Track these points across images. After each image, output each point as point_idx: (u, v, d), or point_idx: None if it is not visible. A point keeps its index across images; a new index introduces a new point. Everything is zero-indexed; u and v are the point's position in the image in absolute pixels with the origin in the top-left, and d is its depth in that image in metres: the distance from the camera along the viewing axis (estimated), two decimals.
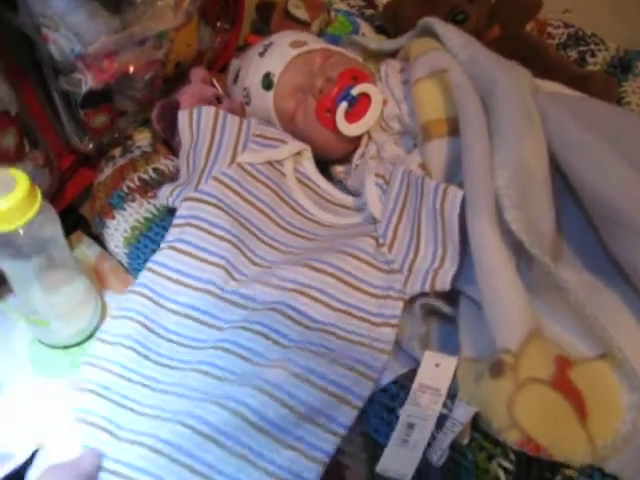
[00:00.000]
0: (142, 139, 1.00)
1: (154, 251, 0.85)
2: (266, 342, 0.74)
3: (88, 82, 0.86)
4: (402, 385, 0.72)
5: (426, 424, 0.67)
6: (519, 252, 0.72)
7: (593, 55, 1.13)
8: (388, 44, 1.02)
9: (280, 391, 0.69)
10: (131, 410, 0.74)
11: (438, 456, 0.66)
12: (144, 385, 0.75)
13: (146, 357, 0.77)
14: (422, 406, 0.68)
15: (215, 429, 0.69)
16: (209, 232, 0.81)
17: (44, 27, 0.80)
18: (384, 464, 0.67)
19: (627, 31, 1.14)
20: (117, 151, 1.00)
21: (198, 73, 0.99)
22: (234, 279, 0.80)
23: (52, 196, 0.92)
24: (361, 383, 0.71)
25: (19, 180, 0.74)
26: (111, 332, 0.79)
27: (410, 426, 0.68)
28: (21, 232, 0.76)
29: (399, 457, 0.66)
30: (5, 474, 0.80)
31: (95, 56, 0.84)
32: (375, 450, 0.71)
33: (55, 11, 0.79)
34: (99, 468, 0.70)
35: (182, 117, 0.90)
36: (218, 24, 1.08)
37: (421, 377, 0.70)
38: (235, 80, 1.02)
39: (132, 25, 0.86)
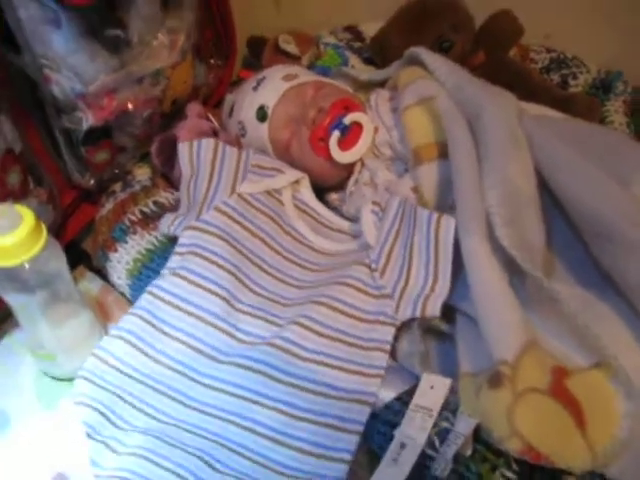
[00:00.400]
0: (142, 174, 1.02)
1: None
2: (262, 379, 0.75)
3: (89, 120, 0.88)
4: (405, 402, 0.73)
5: (415, 444, 0.68)
6: (511, 269, 0.74)
7: (575, 78, 1.16)
8: (377, 74, 1.05)
9: (281, 434, 0.72)
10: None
11: (442, 468, 0.67)
12: (135, 407, 0.77)
13: (140, 381, 0.78)
14: (414, 427, 0.69)
15: (214, 459, 0.72)
16: (210, 261, 0.83)
17: (46, 68, 0.82)
18: None
19: (607, 53, 1.17)
20: (117, 186, 1.01)
21: (194, 108, 1.01)
22: (234, 308, 0.81)
23: (55, 232, 0.93)
24: (357, 410, 0.73)
25: (25, 216, 0.76)
26: (107, 349, 0.81)
27: (402, 446, 0.69)
28: (27, 266, 0.77)
29: (387, 476, 0.68)
30: None
31: (95, 95, 0.86)
32: None
33: (56, 53, 0.81)
34: None
35: (182, 150, 0.91)
36: (212, 61, 1.11)
37: (417, 398, 0.72)
38: (230, 114, 1.05)
39: (130, 64, 0.89)
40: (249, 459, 0.72)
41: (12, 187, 0.85)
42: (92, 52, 0.84)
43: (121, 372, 0.79)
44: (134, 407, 0.77)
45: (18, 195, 0.86)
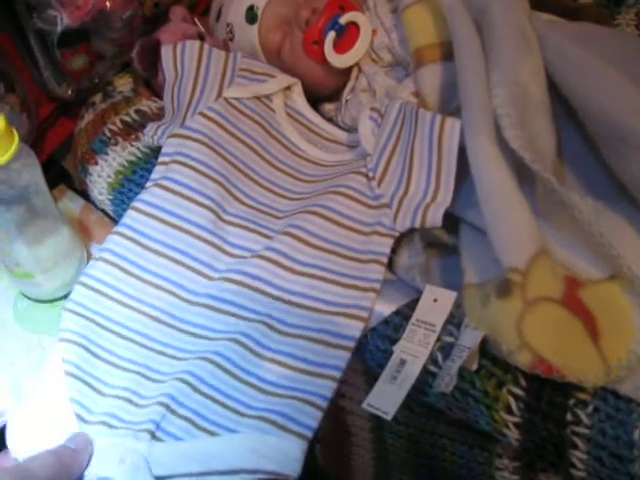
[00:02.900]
0: (123, 84, 0.97)
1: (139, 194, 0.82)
2: (251, 293, 0.72)
3: (64, 20, 0.83)
4: (405, 316, 0.69)
5: (416, 361, 0.65)
6: (520, 174, 0.70)
7: None
8: None
9: (268, 350, 0.69)
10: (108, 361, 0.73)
11: (445, 385, 0.64)
12: (120, 335, 0.74)
13: (125, 304, 0.75)
14: (415, 342, 0.66)
15: (198, 379, 0.68)
16: (195, 169, 0.78)
17: None
18: (370, 400, 0.66)
19: None
20: (98, 97, 0.96)
21: (178, 12, 0.96)
22: (221, 219, 0.77)
23: (31, 146, 0.88)
24: (349, 325, 0.69)
25: None
26: (90, 274, 0.76)
27: (402, 362, 0.66)
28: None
29: (385, 394, 0.65)
30: None
31: None
32: None
33: None
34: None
35: (165, 53, 0.87)
36: None
37: (418, 312, 0.68)
38: (217, 17, 0.99)
39: None
40: (235, 376, 0.68)
41: None
42: None
43: (105, 296, 0.75)
44: (119, 335, 0.73)
45: None
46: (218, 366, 0.68)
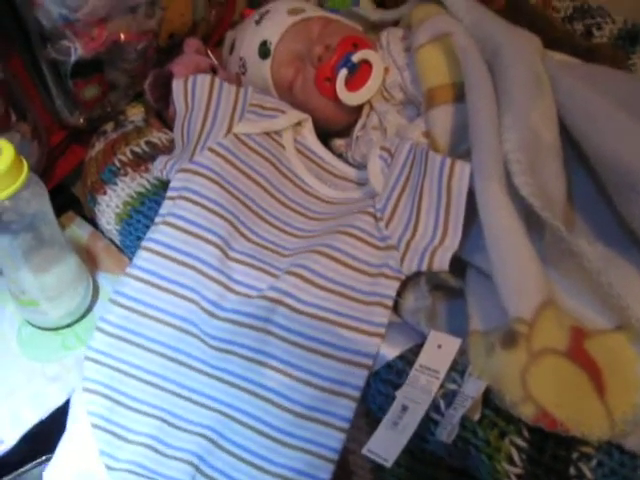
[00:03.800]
0: (135, 114, 0.97)
1: (146, 227, 0.82)
2: (258, 334, 0.72)
3: (77, 50, 0.83)
4: (408, 361, 0.68)
5: (418, 408, 0.64)
6: (529, 221, 0.69)
7: (599, 28, 1.11)
8: (389, 14, 0.99)
9: (273, 394, 0.69)
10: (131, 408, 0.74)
11: (447, 434, 0.63)
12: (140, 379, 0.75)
13: (144, 347, 0.75)
14: (418, 389, 0.65)
15: (220, 435, 0.70)
16: (202, 206, 0.78)
17: None
18: (371, 446, 0.65)
19: (634, 4, 1.12)
20: (109, 126, 0.97)
21: (192, 44, 0.96)
22: (227, 257, 0.76)
23: (42, 173, 0.89)
24: (354, 373, 0.69)
25: (4, 150, 0.72)
26: (107, 320, 0.77)
27: (404, 408, 0.65)
28: (7, 204, 0.73)
29: (386, 440, 0.64)
30: None
31: (84, 22, 0.81)
32: None
33: None
34: None
35: (177, 86, 0.86)
36: None
37: (422, 358, 0.67)
38: (231, 50, 0.99)
39: None
40: (248, 426, 0.69)
41: None
42: None
43: (124, 340, 0.76)
44: (139, 379, 0.74)
45: None
46: (233, 419, 0.70)
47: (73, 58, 0.84)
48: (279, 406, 0.69)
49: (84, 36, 0.83)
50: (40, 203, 0.78)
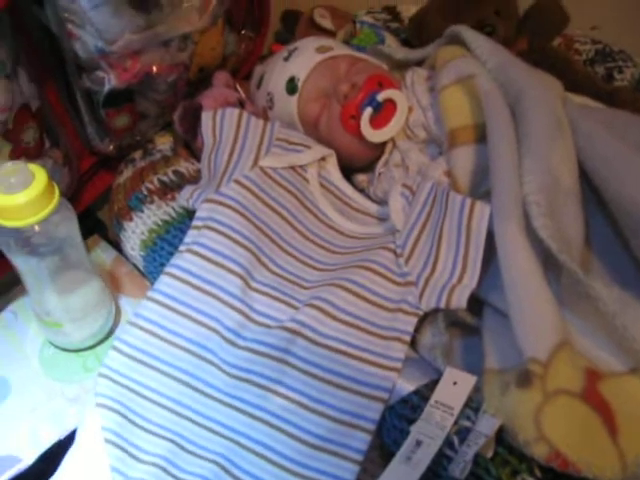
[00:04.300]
0: (163, 143, 0.99)
1: (170, 254, 0.84)
2: (275, 364, 0.73)
3: (111, 81, 0.85)
4: (423, 396, 0.69)
5: (432, 443, 0.65)
6: (547, 263, 0.70)
7: (621, 71, 1.12)
8: (414, 53, 1.00)
9: (288, 424, 0.70)
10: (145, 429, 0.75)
11: (460, 469, 0.63)
12: (154, 402, 0.76)
13: (160, 371, 0.76)
14: (432, 424, 0.66)
15: (232, 463, 0.71)
16: (227, 236, 0.79)
17: (68, 22, 0.79)
18: (384, 479, 0.65)
19: None
20: (137, 154, 0.99)
21: (222, 77, 0.98)
22: (249, 287, 0.78)
23: (70, 197, 0.91)
24: (370, 407, 0.70)
25: (37, 175, 0.73)
26: (125, 340, 0.78)
27: (418, 443, 0.65)
28: (37, 228, 0.75)
29: (399, 474, 0.64)
30: (10, 477, 0.79)
31: (119, 54, 0.83)
32: None
33: (80, 6, 0.78)
34: None
35: (205, 118, 0.88)
36: (243, 31, 1.07)
37: (437, 394, 0.68)
38: (259, 85, 1.01)
39: (157, 25, 0.85)
40: (262, 456, 0.70)
41: (27, 145, 0.83)
42: (117, 8, 0.80)
43: (139, 362, 0.76)
44: (152, 402, 0.75)
45: (32, 154, 0.84)
46: (245, 448, 0.70)
47: (107, 88, 0.86)
48: (293, 436, 0.69)
49: (118, 67, 0.85)
50: (69, 227, 0.80)
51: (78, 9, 0.78)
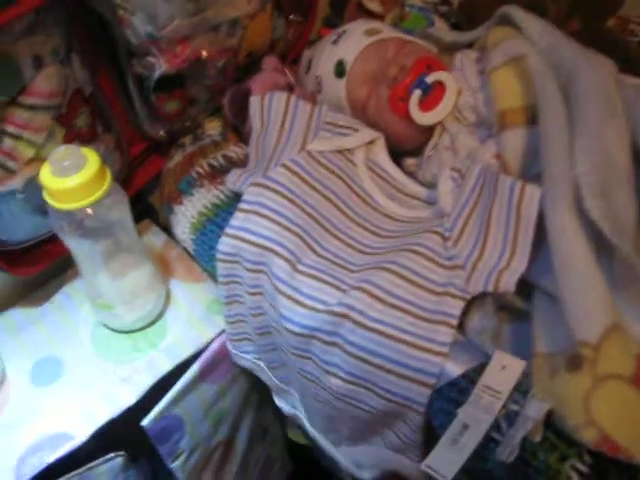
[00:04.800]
0: (212, 128, 1.00)
1: (219, 237, 0.84)
2: (324, 347, 0.74)
3: (161, 66, 0.86)
4: (471, 380, 0.68)
5: (479, 427, 0.64)
6: (598, 245, 0.68)
7: None
8: (463, 36, 0.99)
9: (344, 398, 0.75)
10: None
11: (507, 453, 0.63)
12: None
13: None
14: (479, 408, 0.65)
15: None
16: (273, 220, 0.80)
17: (120, 9, 0.80)
18: (429, 461, 0.66)
19: None
20: (187, 139, 1.00)
21: (270, 62, 0.98)
22: (296, 270, 0.78)
23: (122, 182, 0.92)
24: (418, 390, 0.70)
25: (90, 159, 0.75)
26: None
27: (464, 427, 0.65)
28: (90, 211, 0.77)
29: (445, 457, 0.65)
30: (63, 454, 0.82)
31: (169, 40, 0.84)
32: None
33: None
34: None
35: (254, 102, 0.89)
36: (291, 16, 1.07)
37: (485, 378, 0.67)
38: (307, 69, 1.01)
39: (206, 10, 0.86)
40: None
41: (80, 129, 0.84)
42: None
43: None
44: None
45: (85, 139, 0.85)
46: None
47: (157, 73, 0.87)
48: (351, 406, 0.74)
49: (168, 53, 0.86)
50: (121, 210, 0.81)
51: None
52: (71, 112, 0.82)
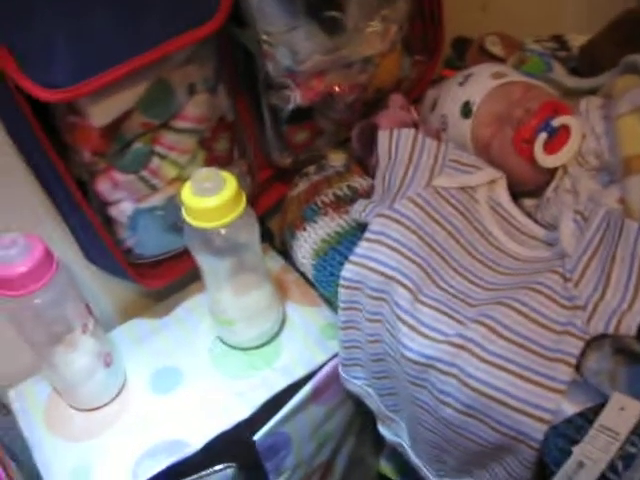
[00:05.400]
0: (336, 159, 1.03)
1: (341, 264, 0.87)
2: (443, 377, 0.75)
3: (296, 99, 0.91)
4: (588, 419, 0.69)
5: (595, 467, 0.64)
6: None
7: None
8: (586, 82, 1.00)
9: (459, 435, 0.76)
10: None
11: None
12: None
13: None
14: (596, 447, 0.65)
15: None
16: (397, 251, 0.82)
17: (265, 43, 0.85)
18: None
19: None
20: (311, 169, 1.04)
21: (397, 99, 1.01)
22: (418, 300, 0.80)
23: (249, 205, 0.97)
24: (534, 426, 0.70)
25: (228, 182, 0.79)
26: None
27: (580, 465, 0.65)
28: (222, 232, 0.80)
29: None
30: (177, 460, 0.85)
31: (306, 74, 0.89)
32: None
33: (278, 28, 0.84)
34: None
35: (382, 137, 0.92)
36: (417, 57, 1.10)
37: (603, 418, 0.67)
38: (432, 108, 1.04)
39: (342, 48, 0.90)
40: None
41: (219, 153, 0.89)
42: (309, 31, 0.86)
43: None
44: None
45: (223, 162, 0.90)
46: None
47: (292, 105, 0.92)
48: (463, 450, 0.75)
49: (304, 86, 0.91)
50: (250, 233, 0.85)
51: (275, 31, 0.84)
52: (213, 137, 0.87)
